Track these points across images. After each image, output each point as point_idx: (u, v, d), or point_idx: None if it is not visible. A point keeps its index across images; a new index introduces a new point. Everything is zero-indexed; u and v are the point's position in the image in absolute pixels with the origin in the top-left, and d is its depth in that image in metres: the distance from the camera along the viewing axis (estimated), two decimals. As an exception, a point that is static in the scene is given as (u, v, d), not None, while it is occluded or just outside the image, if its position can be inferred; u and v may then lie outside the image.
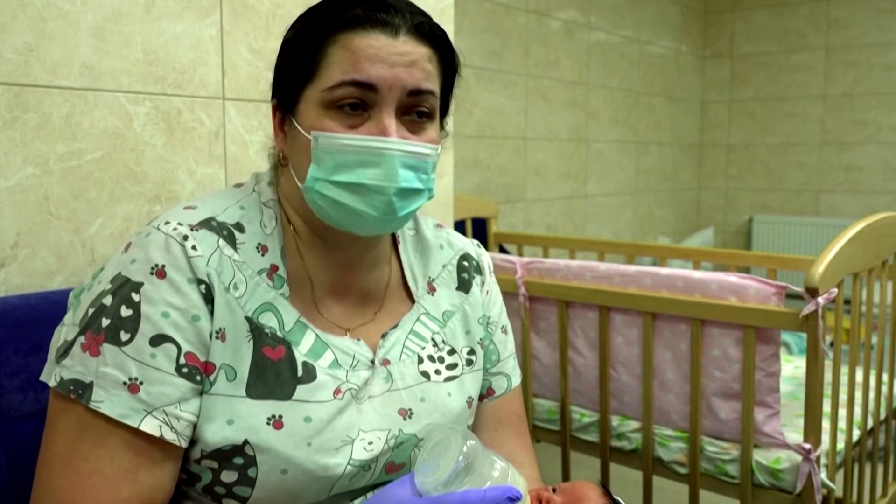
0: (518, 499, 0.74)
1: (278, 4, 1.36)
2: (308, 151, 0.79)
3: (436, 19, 0.85)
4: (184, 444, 0.75)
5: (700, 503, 1.64)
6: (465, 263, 0.99)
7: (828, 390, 1.50)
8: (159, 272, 0.75)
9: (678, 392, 1.62)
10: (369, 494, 0.84)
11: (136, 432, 0.72)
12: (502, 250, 2.88)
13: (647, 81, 4.42)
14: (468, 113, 3.16)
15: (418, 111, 0.80)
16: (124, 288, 0.74)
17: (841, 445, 1.59)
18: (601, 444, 1.76)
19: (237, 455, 0.76)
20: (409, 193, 0.79)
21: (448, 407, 0.89)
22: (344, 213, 0.79)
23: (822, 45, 4.63)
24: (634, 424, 1.72)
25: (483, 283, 1.00)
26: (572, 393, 1.81)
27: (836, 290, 1.41)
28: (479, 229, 2.87)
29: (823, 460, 1.50)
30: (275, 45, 0.86)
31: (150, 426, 0.72)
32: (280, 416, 0.77)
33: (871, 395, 1.71)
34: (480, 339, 0.98)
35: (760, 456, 1.53)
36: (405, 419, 0.85)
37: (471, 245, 1.03)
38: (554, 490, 0.90)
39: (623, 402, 1.72)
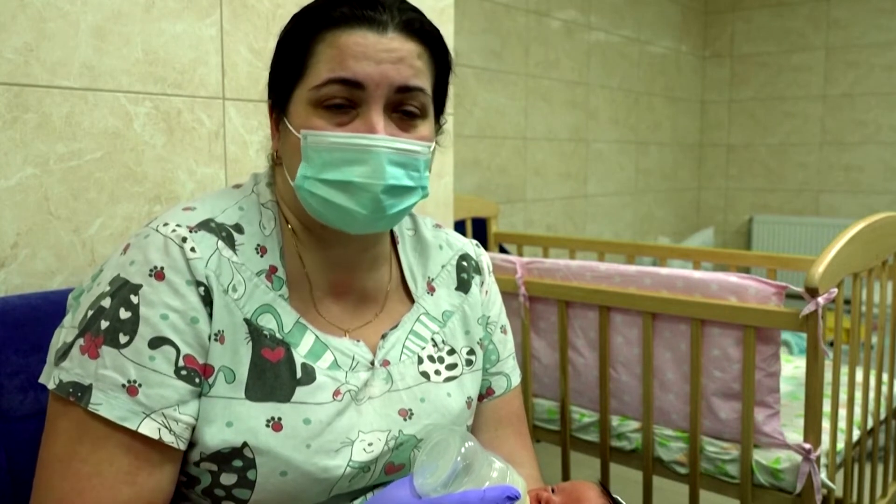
0: (517, 498, 0.74)
1: (278, 4, 1.36)
2: (298, 150, 0.79)
3: (436, 19, 0.85)
4: (182, 447, 0.75)
5: (700, 503, 1.64)
6: (465, 263, 0.99)
7: (828, 390, 1.50)
8: (158, 274, 0.75)
9: (678, 392, 1.62)
10: (369, 495, 0.84)
11: (135, 435, 0.72)
12: (502, 250, 2.88)
13: (647, 81, 4.42)
14: (468, 113, 3.16)
15: (408, 108, 0.80)
16: (123, 290, 0.74)
17: (841, 445, 1.59)
18: (601, 444, 1.76)
19: (236, 457, 0.76)
20: (398, 191, 0.79)
21: (448, 407, 0.89)
22: (334, 211, 0.79)
23: (822, 45, 4.63)
24: (634, 424, 1.72)
25: (482, 283, 1.00)
26: (572, 393, 1.81)
27: (836, 290, 1.41)
28: (479, 229, 2.87)
29: (823, 460, 1.50)
30: (274, 45, 0.86)
31: (148, 429, 0.72)
32: (279, 418, 0.77)
33: (871, 395, 1.71)
34: (480, 339, 0.98)
35: (760, 456, 1.53)
36: (405, 420, 0.85)
37: (470, 245, 1.03)
38: (553, 490, 0.90)
39: (623, 402, 1.72)
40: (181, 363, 0.74)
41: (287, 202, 0.86)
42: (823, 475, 1.46)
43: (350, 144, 0.77)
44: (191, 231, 0.77)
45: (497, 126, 3.34)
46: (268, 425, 0.76)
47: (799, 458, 1.47)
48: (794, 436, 1.53)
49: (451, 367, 0.92)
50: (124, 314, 0.73)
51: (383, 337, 0.88)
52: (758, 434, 1.52)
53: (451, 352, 0.93)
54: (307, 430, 0.78)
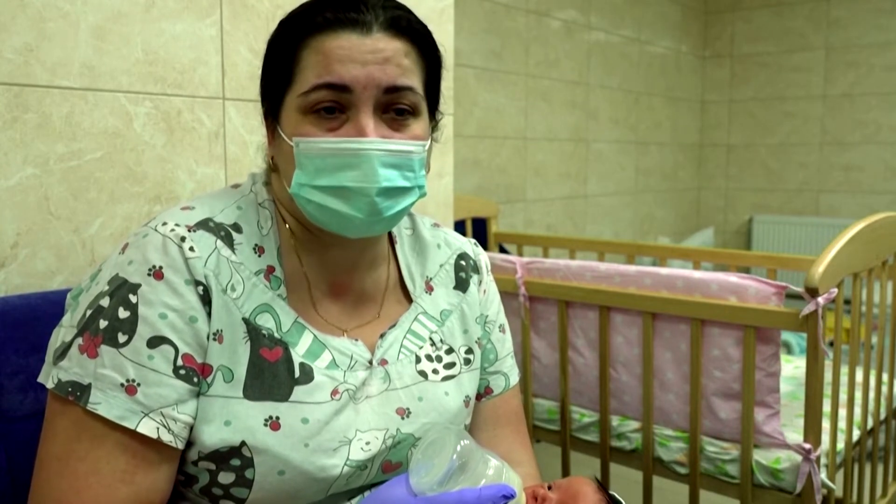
0: (512, 496, 0.74)
1: (278, 5, 1.36)
2: (292, 157, 0.79)
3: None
4: (180, 446, 0.75)
5: (700, 503, 1.64)
6: (463, 263, 0.99)
7: (828, 390, 1.50)
8: (157, 273, 0.75)
9: (678, 392, 1.62)
10: (366, 493, 0.84)
11: (133, 434, 0.72)
12: (502, 250, 2.88)
13: (647, 81, 4.42)
14: (468, 113, 3.16)
15: (398, 108, 0.79)
16: (122, 289, 0.74)
17: (841, 445, 1.59)
18: (601, 444, 1.76)
19: (234, 456, 0.76)
20: (393, 193, 0.79)
21: (445, 406, 0.89)
22: (331, 216, 0.79)
23: (822, 45, 4.62)
24: (634, 424, 1.72)
25: (481, 282, 1.00)
26: (572, 393, 1.81)
27: (836, 290, 1.41)
28: (479, 229, 2.87)
29: (823, 460, 1.50)
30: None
31: (147, 428, 0.72)
32: (277, 418, 0.77)
33: (871, 395, 1.70)
34: (478, 339, 0.98)
35: (760, 456, 1.53)
36: (403, 418, 0.85)
37: (468, 244, 1.03)
38: (550, 487, 0.90)
39: (623, 402, 1.72)
40: (180, 362, 0.75)
41: (284, 203, 0.86)
42: (823, 475, 1.46)
43: (341, 149, 0.77)
44: (189, 230, 0.77)
45: (497, 126, 3.34)
46: (266, 424, 0.76)
47: (799, 458, 1.47)
48: (794, 436, 1.53)
49: (450, 366, 0.92)
50: (123, 313, 0.73)
51: (381, 336, 0.88)
52: (758, 434, 1.52)
53: (450, 351, 0.93)
54: (305, 430, 0.78)
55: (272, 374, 0.78)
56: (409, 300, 0.93)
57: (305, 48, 0.78)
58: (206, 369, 0.76)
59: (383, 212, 0.78)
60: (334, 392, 0.81)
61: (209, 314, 0.77)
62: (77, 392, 0.72)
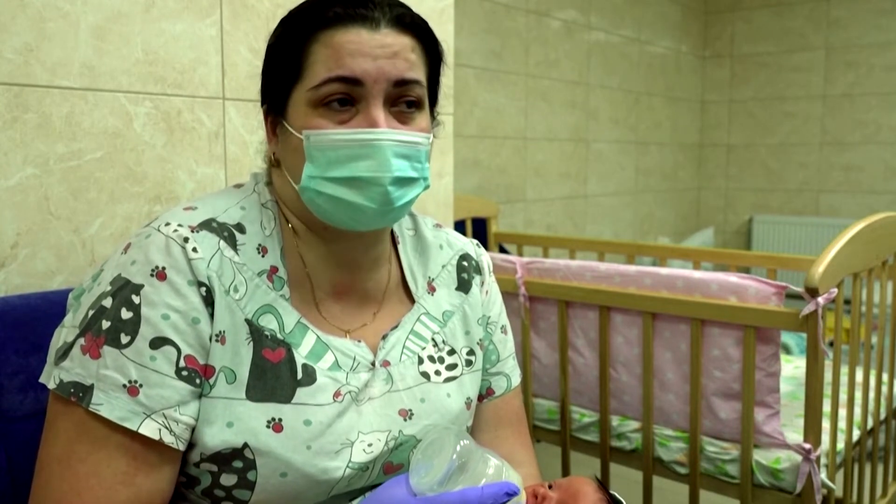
0: (515, 494, 0.74)
1: (278, 4, 1.36)
2: (301, 151, 0.79)
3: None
4: (182, 448, 0.75)
5: (700, 503, 1.64)
6: (465, 263, 0.99)
7: (828, 390, 1.50)
8: (160, 274, 0.75)
9: (678, 392, 1.62)
10: (368, 494, 0.84)
11: (135, 435, 0.72)
12: (502, 250, 2.88)
13: (647, 81, 4.42)
14: (468, 113, 3.16)
15: (406, 101, 0.80)
16: (124, 290, 0.74)
17: (841, 445, 1.59)
18: (601, 444, 1.76)
19: (236, 458, 0.76)
20: (404, 182, 0.80)
21: (448, 408, 0.89)
22: (342, 208, 0.79)
23: (822, 45, 4.62)
24: (634, 424, 1.72)
25: (483, 283, 1.00)
26: (572, 393, 1.81)
27: (836, 290, 1.41)
28: (479, 229, 2.87)
29: (823, 460, 1.50)
30: (272, 48, 0.86)
31: (149, 429, 0.72)
32: (280, 419, 0.77)
33: (871, 395, 1.71)
34: (480, 340, 0.98)
35: (760, 456, 1.53)
36: (405, 420, 0.85)
37: (470, 245, 1.03)
38: (550, 486, 0.90)
39: (623, 402, 1.72)
40: (182, 364, 0.74)
41: (286, 202, 0.86)
42: (823, 475, 1.46)
43: (354, 140, 0.77)
44: (192, 231, 0.77)
45: (497, 126, 3.34)
46: (268, 426, 0.76)
47: (799, 458, 1.47)
48: (794, 436, 1.53)
49: (451, 367, 0.92)
50: (125, 314, 0.73)
51: (384, 337, 0.88)
52: (758, 434, 1.52)
53: (452, 352, 0.93)
54: (308, 432, 0.78)
55: (275, 376, 0.78)
56: (412, 301, 0.93)
57: (315, 42, 0.79)
58: (208, 370, 0.76)
59: (395, 201, 0.79)
60: (337, 394, 0.81)
61: (212, 315, 0.76)
62: (79, 393, 0.72)
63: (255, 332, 0.79)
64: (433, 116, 0.88)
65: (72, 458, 0.72)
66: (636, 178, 4.41)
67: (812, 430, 1.44)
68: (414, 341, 0.90)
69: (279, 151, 0.84)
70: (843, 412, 1.65)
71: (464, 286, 0.98)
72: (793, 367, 2.02)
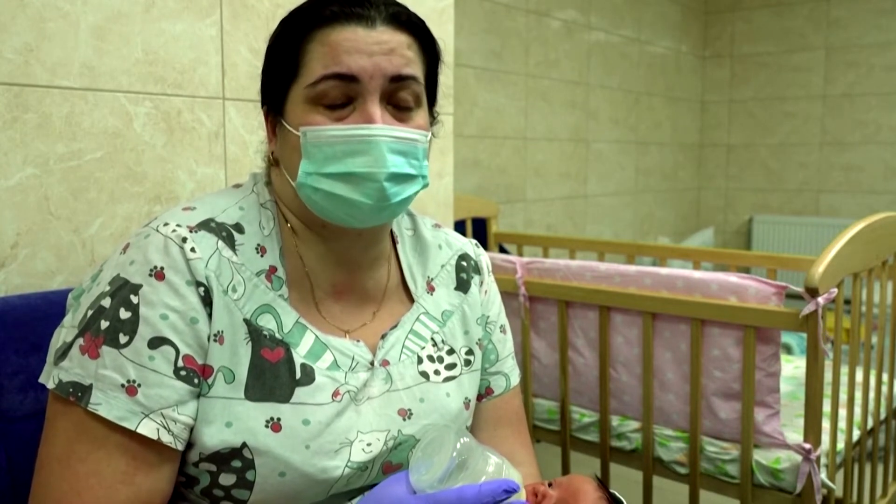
0: (515, 490, 0.74)
1: (278, 4, 1.36)
2: (298, 148, 0.79)
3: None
4: (181, 447, 0.75)
5: (700, 503, 1.64)
6: (464, 263, 0.99)
7: (828, 390, 1.50)
8: (158, 274, 0.75)
9: (678, 392, 1.62)
10: (367, 492, 0.84)
11: (134, 435, 0.72)
12: (502, 250, 2.88)
13: (647, 81, 4.42)
14: (468, 113, 3.16)
15: (403, 96, 0.81)
16: (123, 290, 0.74)
17: (841, 445, 1.59)
18: (601, 444, 1.76)
19: (235, 458, 0.76)
20: (400, 179, 0.80)
21: (447, 408, 0.89)
22: (338, 204, 0.79)
23: (822, 45, 4.62)
24: (634, 424, 1.72)
25: (482, 282, 1.01)
26: (572, 393, 1.81)
27: (836, 290, 1.41)
28: (479, 229, 2.87)
29: (823, 460, 1.50)
30: (273, 47, 0.87)
31: (147, 429, 0.72)
32: (278, 419, 0.77)
33: (871, 395, 1.71)
34: (479, 340, 0.98)
35: (760, 456, 1.53)
36: (405, 420, 0.85)
37: (469, 245, 1.03)
38: (550, 484, 0.90)
39: (623, 402, 1.72)
40: (180, 363, 0.74)
41: (286, 202, 0.86)
42: (823, 475, 1.46)
43: (350, 136, 0.77)
44: (191, 231, 0.77)
45: (497, 126, 3.34)
46: (267, 426, 0.76)
47: (799, 458, 1.47)
48: (794, 436, 1.53)
49: (451, 366, 0.92)
50: (124, 314, 0.73)
51: (383, 337, 0.88)
52: (758, 434, 1.52)
53: (451, 352, 0.93)
54: (306, 431, 0.78)
55: (273, 375, 0.78)
56: (411, 300, 0.93)
57: (311, 41, 0.79)
58: (206, 370, 0.76)
59: (391, 198, 0.79)
60: (335, 393, 0.81)
61: (210, 315, 0.76)
62: (78, 393, 0.72)
63: (254, 332, 0.79)
64: (432, 115, 0.88)
65: (71, 458, 0.72)
66: (636, 178, 4.41)
67: (812, 430, 1.44)
68: (413, 341, 0.90)
69: (278, 150, 0.85)
70: (843, 412, 1.65)
71: (463, 286, 0.98)
72: (793, 367, 2.02)
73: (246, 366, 0.78)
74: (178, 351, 0.74)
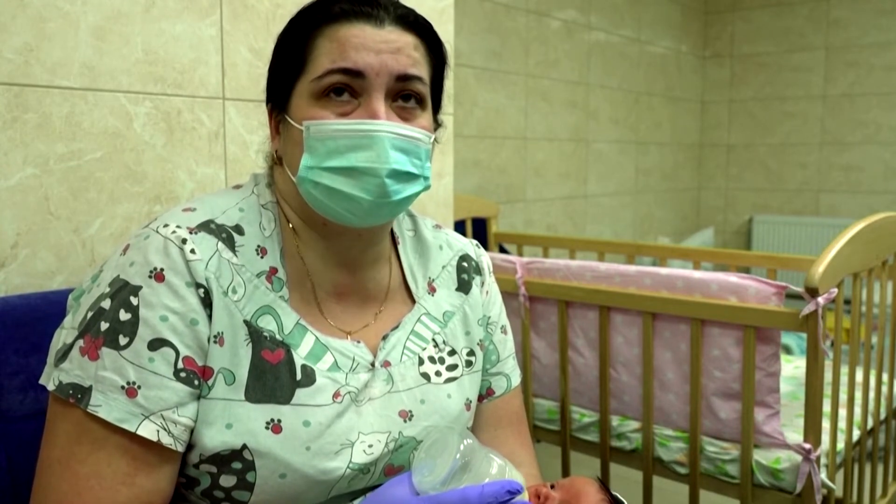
0: (519, 492, 0.74)
1: (278, 4, 1.36)
2: (301, 143, 0.79)
3: (436, 19, 0.86)
4: (181, 449, 0.75)
5: (700, 503, 1.64)
6: (465, 264, 0.99)
7: (828, 390, 1.50)
8: (158, 276, 0.75)
9: (678, 392, 1.62)
10: (369, 493, 0.84)
11: (134, 437, 0.72)
12: (502, 250, 2.88)
13: (647, 81, 4.42)
14: (468, 113, 3.16)
15: (407, 97, 0.81)
16: (123, 291, 0.74)
17: (841, 445, 1.59)
18: (601, 444, 1.76)
19: (236, 459, 0.76)
20: (402, 176, 0.80)
21: (447, 409, 0.89)
22: (338, 199, 0.79)
23: (822, 45, 4.62)
24: (634, 424, 1.72)
25: (483, 283, 1.00)
26: (572, 393, 1.81)
27: (836, 290, 1.41)
28: (479, 229, 2.87)
29: (823, 460, 1.50)
30: (274, 46, 0.87)
31: (147, 431, 0.72)
32: (279, 420, 0.77)
33: (871, 395, 1.71)
34: (480, 340, 0.98)
35: (760, 456, 1.53)
36: (405, 421, 0.85)
37: (470, 245, 1.03)
38: (552, 486, 0.90)
39: (623, 402, 1.72)
40: (180, 365, 0.74)
41: (288, 201, 0.86)
42: (823, 475, 1.46)
43: (353, 131, 0.78)
44: (191, 232, 0.77)
45: (497, 126, 3.34)
46: (267, 427, 0.76)
47: (799, 458, 1.47)
48: (794, 436, 1.53)
49: (452, 367, 0.92)
50: (124, 315, 0.73)
51: (384, 338, 0.88)
52: (758, 434, 1.52)
53: (452, 352, 0.93)
54: (307, 433, 0.78)
55: (274, 377, 0.78)
56: (412, 301, 0.93)
57: (319, 36, 0.80)
58: (206, 372, 0.76)
59: (391, 195, 0.79)
60: (336, 394, 0.81)
61: (210, 316, 0.76)
62: (78, 394, 0.72)
63: (254, 334, 0.79)
64: (436, 120, 0.88)
65: (72, 460, 0.72)
66: (636, 178, 4.41)
67: (812, 430, 1.44)
68: (414, 342, 0.90)
69: (282, 148, 0.85)
70: (843, 412, 1.65)
71: (464, 287, 0.98)
72: (793, 367, 2.02)
73: (246, 367, 0.78)
74: (177, 352, 0.74)
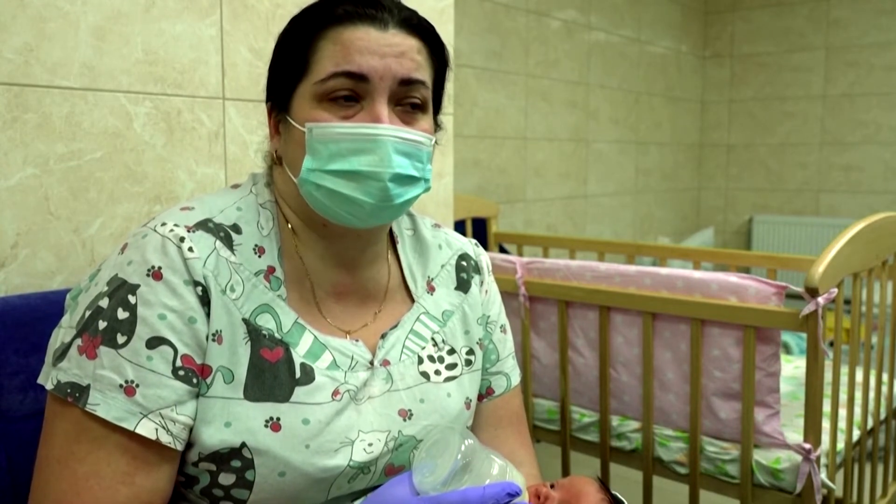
0: (517, 494, 0.74)
1: (278, 4, 1.36)
2: (303, 145, 0.79)
3: (436, 19, 0.86)
4: (180, 447, 0.75)
5: (700, 503, 1.64)
6: (464, 263, 1.00)
7: (828, 390, 1.50)
8: (156, 274, 0.75)
9: (678, 392, 1.62)
10: (369, 495, 0.84)
11: (133, 435, 0.72)
12: (502, 250, 2.88)
13: (647, 81, 4.42)
14: (468, 113, 3.16)
15: (411, 101, 0.81)
16: (121, 290, 0.74)
17: (841, 445, 1.59)
18: (601, 444, 1.76)
19: (235, 458, 0.76)
20: (404, 180, 0.80)
21: (447, 408, 0.89)
22: (340, 202, 0.79)
23: (822, 45, 4.62)
24: (634, 424, 1.72)
25: (482, 282, 1.01)
26: (572, 393, 1.81)
27: (836, 290, 1.41)
28: (479, 229, 2.87)
29: (823, 460, 1.50)
30: (274, 46, 0.87)
31: (146, 429, 0.72)
32: (278, 419, 0.77)
33: (871, 395, 1.70)
34: (479, 339, 0.98)
35: (760, 456, 1.53)
36: (405, 420, 0.85)
37: (469, 244, 1.03)
38: (552, 486, 0.90)
39: (623, 402, 1.72)
40: (179, 363, 0.74)
41: (288, 201, 0.86)
42: (823, 475, 1.46)
43: (356, 134, 0.78)
44: (189, 231, 0.77)
45: (497, 126, 3.34)
46: (266, 425, 0.76)
47: (799, 458, 1.47)
48: (794, 436, 1.53)
49: (451, 366, 0.92)
50: (122, 314, 0.73)
51: (383, 337, 0.88)
52: (758, 434, 1.52)
53: (451, 351, 0.93)
54: (306, 431, 0.78)
55: (273, 375, 0.78)
56: (412, 300, 0.93)
57: (323, 38, 0.80)
58: (205, 370, 0.76)
59: (394, 198, 0.79)
60: (335, 393, 0.81)
61: (208, 315, 0.76)
62: (76, 393, 0.72)
63: (253, 332, 0.79)
64: (436, 123, 0.88)
65: (70, 459, 0.72)
66: (636, 178, 4.41)
67: (812, 430, 1.44)
68: (414, 341, 0.90)
69: (282, 148, 0.85)
70: (843, 412, 1.65)
71: (463, 286, 0.98)
72: (793, 367, 2.02)
73: (245, 366, 0.78)
74: (176, 351, 0.74)
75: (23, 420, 0.95)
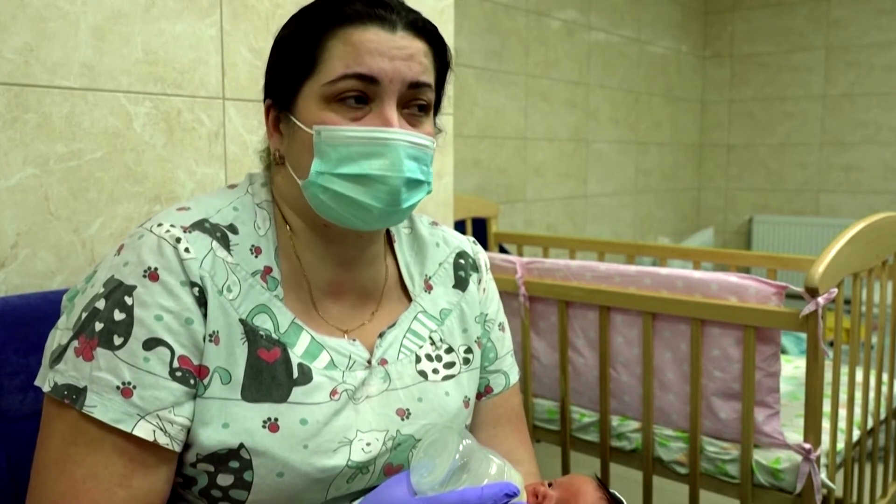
0: (516, 494, 0.74)
1: (278, 4, 1.36)
2: (310, 147, 0.79)
3: (436, 19, 0.86)
4: (177, 449, 0.75)
5: (700, 503, 1.64)
6: (462, 261, 0.99)
7: (828, 390, 1.50)
8: (152, 275, 0.74)
9: (678, 392, 1.62)
10: (367, 495, 0.84)
11: (130, 437, 0.72)
12: (502, 250, 2.88)
13: (647, 81, 4.42)
14: (468, 113, 3.16)
15: (418, 104, 0.81)
16: (117, 291, 0.74)
17: (841, 445, 1.59)
18: (601, 444, 1.76)
19: (233, 458, 0.76)
20: (413, 184, 0.80)
21: (445, 407, 0.89)
22: (347, 206, 0.79)
23: (822, 45, 4.62)
24: (634, 424, 1.72)
25: (480, 280, 1.00)
26: (572, 393, 1.81)
27: (836, 290, 1.41)
28: (479, 229, 2.87)
29: (823, 460, 1.50)
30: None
31: (143, 431, 0.72)
32: (276, 419, 0.77)
33: (871, 395, 1.70)
34: (478, 338, 0.98)
35: (760, 456, 1.53)
36: (403, 419, 0.85)
37: (467, 243, 1.02)
38: (550, 485, 0.90)
39: (623, 402, 1.72)
40: (176, 364, 0.74)
41: (288, 201, 0.86)
42: (823, 475, 1.46)
43: (368, 138, 0.77)
44: (185, 231, 0.77)
45: (497, 126, 3.34)
46: (264, 426, 0.76)
47: (799, 458, 1.47)
48: (794, 436, 1.53)
49: (449, 365, 0.92)
50: (118, 315, 0.73)
51: (381, 336, 0.88)
52: (758, 434, 1.52)
53: (449, 350, 0.93)
54: (304, 431, 0.78)
55: (270, 376, 0.78)
56: (409, 299, 0.93)
57: (332, 38, 0.79)
58: (202, 371, 0.76)
59: (402, 202, 0.79)
60: (333, 392, 0.81)
61: (205, 315, 0.76)
62: (73, 395, 0.72)
63: (250, 332, 0.79)
64: (435, 123, 0.88)
65: (67, 461, 0.72)
66: (636, 178, 4.41)
67: (812, 430, 1.44)
68: (411, 340, 0.90)
69: (283, 148, 0.84)
70: (843, 412, 1.65)
71: (461, 284, 0.97)
72: (793, 367, 2.02)
73: (242, 366, 0.77)
74: (173, 352, 0.74)
75: (23, 420, 0.95)
